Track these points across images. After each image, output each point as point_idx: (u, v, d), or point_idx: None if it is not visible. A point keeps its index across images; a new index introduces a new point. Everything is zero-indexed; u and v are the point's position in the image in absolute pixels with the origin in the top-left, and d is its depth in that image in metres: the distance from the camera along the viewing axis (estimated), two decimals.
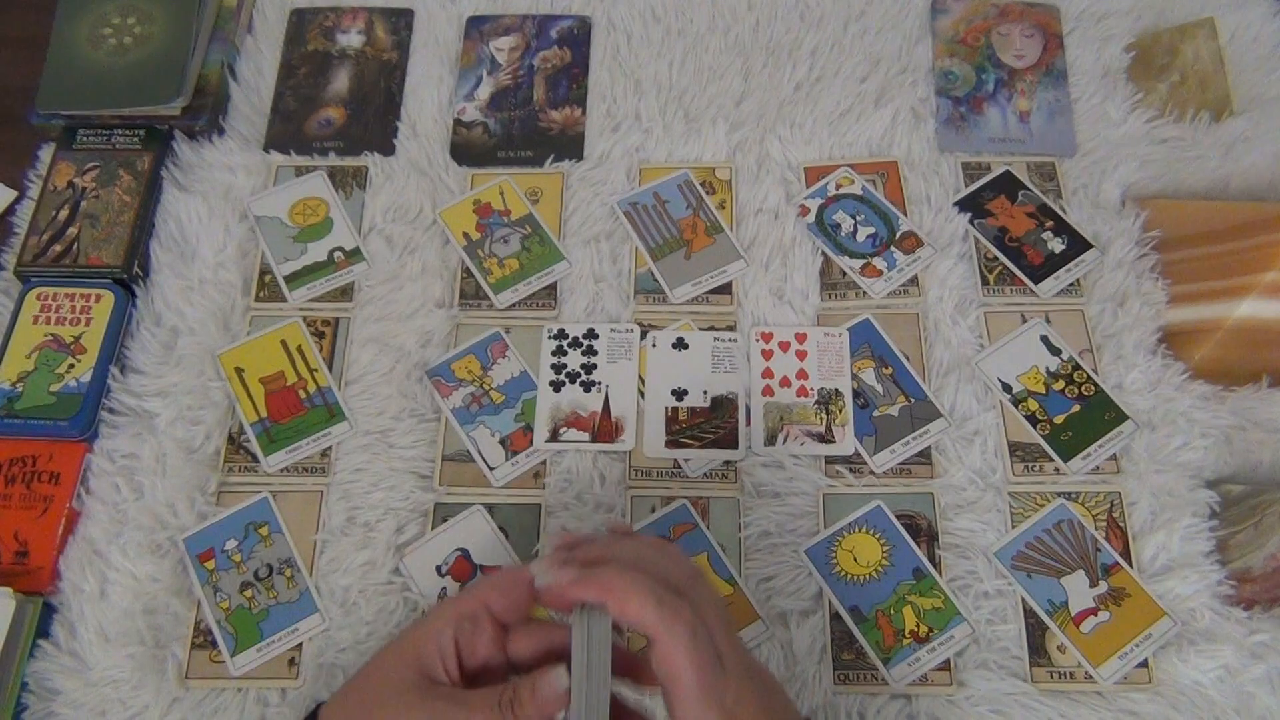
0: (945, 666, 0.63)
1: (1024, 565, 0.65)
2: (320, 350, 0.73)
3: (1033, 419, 0.69)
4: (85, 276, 0.74)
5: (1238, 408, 0.69)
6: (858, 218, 0.76)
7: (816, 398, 0.70)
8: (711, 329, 0.73)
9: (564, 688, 0.45)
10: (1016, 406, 0.70)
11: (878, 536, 0.66)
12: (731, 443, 0.69)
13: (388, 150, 0.80)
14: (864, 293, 0.74)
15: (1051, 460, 0.68)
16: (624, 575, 0.46)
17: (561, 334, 0.73)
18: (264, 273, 0.76)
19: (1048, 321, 0.72)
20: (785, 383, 0.71)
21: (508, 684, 0.46)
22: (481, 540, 0.67)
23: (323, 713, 0.49)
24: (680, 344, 0.72)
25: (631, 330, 0.73)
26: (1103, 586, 0.64)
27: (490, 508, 0.68)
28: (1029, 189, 0.76)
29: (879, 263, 0.74)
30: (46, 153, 0.80)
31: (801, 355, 0.72)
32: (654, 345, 0.72)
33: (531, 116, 0.81)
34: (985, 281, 0.74)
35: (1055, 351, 0.71)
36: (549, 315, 0.74)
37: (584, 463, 0.69)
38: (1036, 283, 0.73)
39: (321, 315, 0.74)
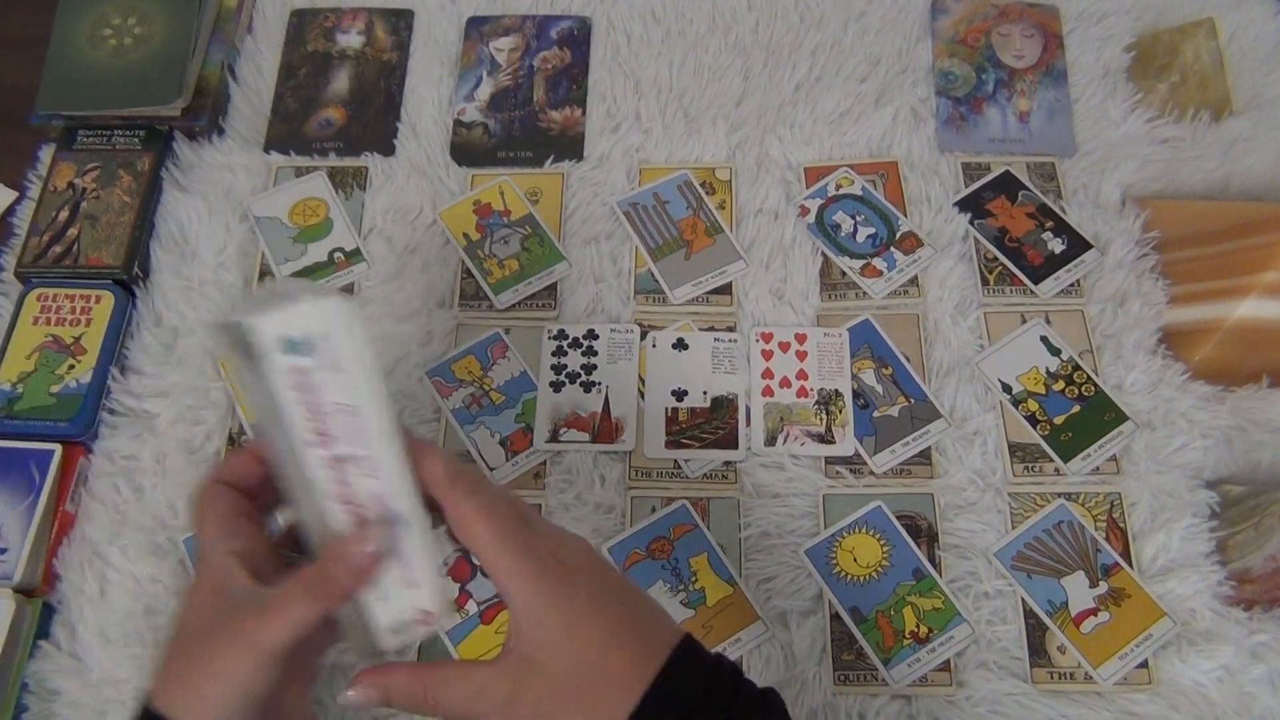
0: (945, 667, 0.63)
1: (1024, 566, 0.65)
2: None
3: (1033, 419, 0.69)
4: (85, 277, 0.74)
5: (1238, 408, 0.69)
6: (858, 218, 0.76)
7: (816, 398, 0.70)
8: (711, 329, 0.73)
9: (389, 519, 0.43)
10: (1016, 407, 0.70)
11: (878, 537, 0.66)
12: (731, 443, 0.69)
13: (388, 151, 0.80)
14: (864, 293, 0.74)
15: (1051, 461, 0.68)
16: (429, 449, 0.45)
17: (561, 334, 0.73)
18: (264, 273, 0.76)
19: (1048, 322, 0.72)
20: (785, 383, 0.71)
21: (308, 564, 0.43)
22: None
23: (156, 703, 0.43)
24: (680, 344, 0.72)
25: (631, 330, 0.73)
26: (1103, 587, 0.64)
27: None
28: (1029, 189, 0.76)
29: (879, 263, 0.74)
30: (46, 153, 0.80)
31: (801, 355, 0.72)
32: (654, 346, 0.72)
33: (531, 117, 0.81)
34: (985, 282, 0.74)
35: (1055, 352, 0.71)
36: (549, 316, 0.74)
37: (584, 463, 0.69)
38: (1036, 283, 0.73)
39: None
